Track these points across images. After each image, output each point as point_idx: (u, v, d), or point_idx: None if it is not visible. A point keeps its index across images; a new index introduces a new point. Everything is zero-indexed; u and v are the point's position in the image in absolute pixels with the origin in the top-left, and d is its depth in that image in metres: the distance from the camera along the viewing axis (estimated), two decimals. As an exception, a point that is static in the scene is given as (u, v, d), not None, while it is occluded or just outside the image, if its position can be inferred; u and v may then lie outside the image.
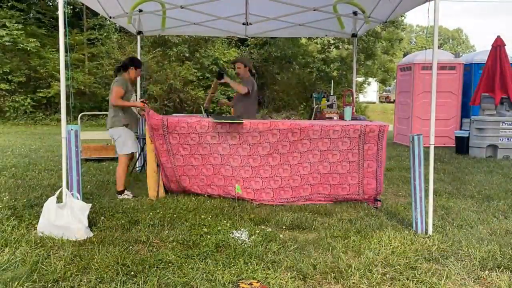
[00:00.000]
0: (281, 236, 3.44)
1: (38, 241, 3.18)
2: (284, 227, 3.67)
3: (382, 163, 4.28)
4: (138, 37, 6.23)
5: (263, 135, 4.22)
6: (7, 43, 13.95)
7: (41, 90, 14.83)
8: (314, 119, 5.13)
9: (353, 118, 4.79)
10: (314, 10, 5.11)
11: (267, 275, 2.71)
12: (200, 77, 16.88)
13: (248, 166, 4.32)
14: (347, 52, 19.86)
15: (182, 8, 5.04)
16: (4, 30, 14.09)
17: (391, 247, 3.21)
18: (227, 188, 4.44)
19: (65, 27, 3.51)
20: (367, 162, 4.28)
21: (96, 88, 15.51)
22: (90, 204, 3.53)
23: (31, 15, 16.03)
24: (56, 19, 16.51)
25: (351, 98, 5.07)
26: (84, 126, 13.41)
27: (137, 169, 6.09)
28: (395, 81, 11.30)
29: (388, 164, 6.69)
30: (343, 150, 4.27)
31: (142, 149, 6.11)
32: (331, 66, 20.46)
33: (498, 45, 8.16)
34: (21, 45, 14.28)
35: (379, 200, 4.43)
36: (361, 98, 28.57)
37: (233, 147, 4.28)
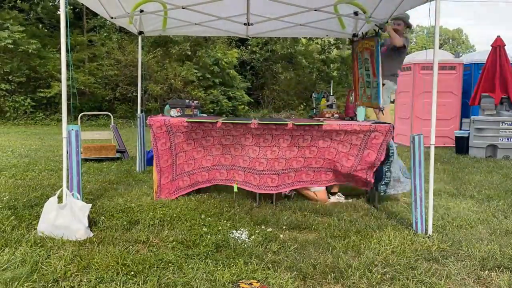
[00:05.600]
0: (281, 236, 3.44)
1: (38, 241, 3.18)
2: (284, 227, 3.67)
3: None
4: (139, 37, 6.24)
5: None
6: (9, 46, 13.91)
7: (41, 90, 14.83)
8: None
9: (352, 118, 4.79)
10: (315, 10, 5.11)
11: (267, 275, 2.71)
12: (201, 77, 16.88)
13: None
14: (347, 53, 19.85)
15: (183, 8, 5.04)
16: (6, 32, 14.08)
17: (391, 247, 3.21)
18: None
19: (66, 27, 3.51)
20: (368, 151, 4.36)
21: (96, 88, 15.51)
22: (90, 204, 3.53)
23: (31, 15, 16.02)
24: (57, 19, 16.54)
25: (353, 98, 5.08)
26: (84, 126, 13.40)
27: (137, 169, 6.10)
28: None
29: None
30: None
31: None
32: (331, 66, 20.47)
33: (498, 45, 8.17)
34: (23, 47, 14.24)
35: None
36: None
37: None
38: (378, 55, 4.76)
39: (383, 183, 4.45)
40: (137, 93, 6.41)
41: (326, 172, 4.54)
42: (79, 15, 16.99)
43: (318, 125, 4.27)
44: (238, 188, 4.50)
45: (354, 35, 6.11)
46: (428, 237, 3.44)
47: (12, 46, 14.04)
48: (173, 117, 4.56)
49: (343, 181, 4.64)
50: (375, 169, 4.40)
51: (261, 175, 4.40)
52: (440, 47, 37.20)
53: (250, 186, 4.44)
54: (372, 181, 4.44)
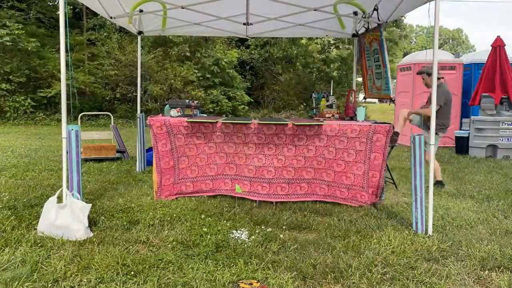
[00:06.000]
0: (281, 236, 3.44)
1: (38, 241, 3.18)
2: (284, 227, 3.67)
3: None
4: (139, 37, 6.24)
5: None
6: (7, 43, 13.92)
7: (42, 90, 14.82)
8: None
9: (352, 118, 4.79)
10: (315, 10, 5.11)
11: (267, 275, 2.71)
12: (201, 78, 16.88)
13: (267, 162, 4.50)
14: (347, 52, 19.87)
15: (182, 8, 5.04)
16: (5, 29, 14.07)
17: (391, 247, 3.21)
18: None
19: (66, 27, 3.51)
20: (374, 154, 4.32)
21: (96, 88, 15.50)
22: (90, 204, 3.53)
23: (31, 15, 16.02)
24: (56, 19, 16.54)
25: (353, 98, 5.09)
26: (84, 126, 13.40)
27: (137, 169, 6.09)
28: (395, 81, 11.28)
29: (388, 164, 6.69)
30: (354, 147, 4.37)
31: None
32: (331, 66, 20.47)
33: (498, 45, 8.17)
34: (22, 45, 14.24)
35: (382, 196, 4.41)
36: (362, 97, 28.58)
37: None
38: (383, 45, 4.72)
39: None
40: (137, 93, 6.41)
41: (340, 189, 4.43)
42: (79, 15, 16.99)
43: (318, 125, 4.27)
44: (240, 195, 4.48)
45: (354, 35, 6.11)
46: (428, 237, 3.44)
47: (11, 44, 14.02)
48: (173, 117, 4.55)
49: (355, 203, 4.38)
50: (383, 171, 4.36)
51: (271, 183, 4.37)
52: (440, 47, 37.23)
53: (258, 196, 4.40)
54: (382, 185, 4.42)
